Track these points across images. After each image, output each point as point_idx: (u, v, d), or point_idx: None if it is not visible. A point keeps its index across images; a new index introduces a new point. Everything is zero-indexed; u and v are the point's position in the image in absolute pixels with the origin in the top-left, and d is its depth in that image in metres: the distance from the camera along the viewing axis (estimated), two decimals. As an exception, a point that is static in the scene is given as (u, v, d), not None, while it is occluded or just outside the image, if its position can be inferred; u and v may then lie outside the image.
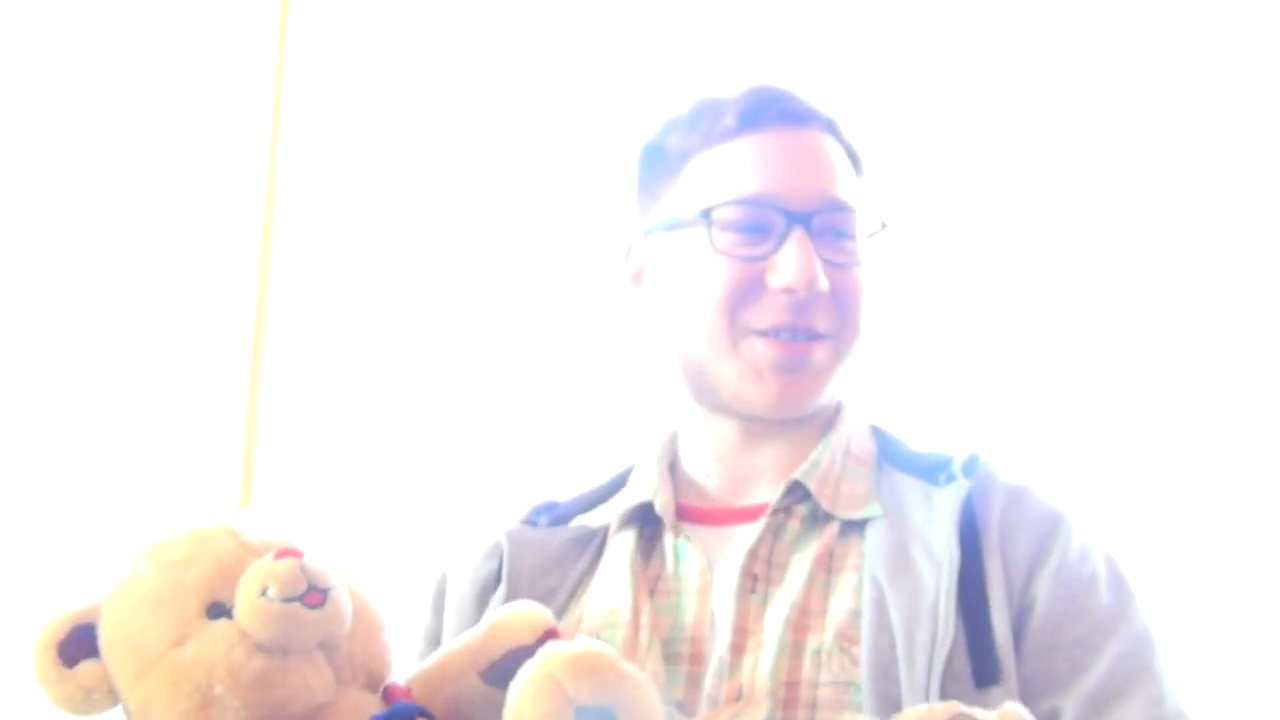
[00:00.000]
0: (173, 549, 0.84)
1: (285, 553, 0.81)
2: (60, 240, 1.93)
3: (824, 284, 1.04)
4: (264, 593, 0.79)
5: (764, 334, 1.05)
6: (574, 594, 1.07)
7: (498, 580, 1.09)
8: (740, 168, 1.07)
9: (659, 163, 1.13)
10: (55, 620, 0.83)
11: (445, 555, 1.19)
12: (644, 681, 0.79)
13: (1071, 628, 0.98)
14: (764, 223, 1.05)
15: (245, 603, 0.80)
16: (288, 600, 0.79)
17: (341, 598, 0.82)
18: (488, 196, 2.04)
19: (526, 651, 0.87)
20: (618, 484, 1.18)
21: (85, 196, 1.95)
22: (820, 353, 1.07)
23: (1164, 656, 1.00)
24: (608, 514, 1.14)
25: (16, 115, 1.94)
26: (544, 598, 1.02)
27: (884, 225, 1.11)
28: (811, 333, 1.06)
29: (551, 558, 1.09)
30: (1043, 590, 0.99)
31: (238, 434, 1.90)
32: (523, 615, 0.91)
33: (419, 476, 1.92)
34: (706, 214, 1.06)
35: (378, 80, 2.08)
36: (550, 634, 0.90)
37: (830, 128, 1.12)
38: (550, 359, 1.94)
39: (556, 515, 1.15)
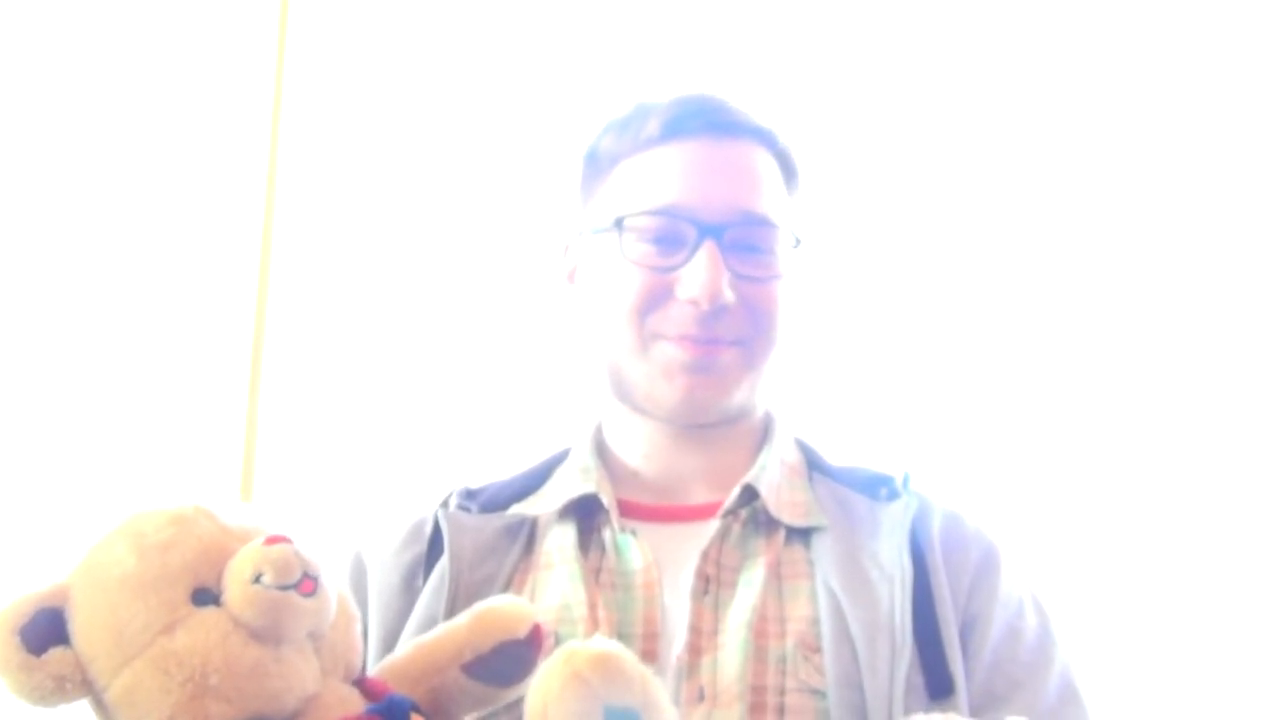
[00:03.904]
0: (150, 531, 0.79)
1: (276, 538, 0.77)
2: (61, 240, 1.93)
3: (729, 297, 1.05)
4: (257, 579, 0.76)
5: (672, 339, 1.06)
6: (509, 583, 1.06)
7: (424, 564, 1.09)
8: (658, 177, 1.08)
9: (593, 165, 1.15)
10: (16, 603, 0.76)
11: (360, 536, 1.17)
12: (661, 684, 0.77)
13: (1009, 647, 1.03)
14: (676, 234, 1.06)
15: (237, 589, 0.76)
16: (283, 587, 0.76)
17: (330, 586, 0.80)
18: (486, 195, 2.03)
19: (517, 645, 0.87)
20: (545, 472, 1.17)
21: (86, 196, 1.96)
22: (729, 356, 1.07)
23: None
24: (540, 503, 1.13)
25: (17, 115, 1.94)
26: (483, 585, 1.02)
27: (798, 242, 1.11)
28: (719, 339, 1.07)
29: (488, 545, 1.08)
30: (982, 611, 1.03)
31: (238, 433, 1.89)
32: (513, 609, 0.89)
33: (419, 473, 1.91)
34: (619, 223, 1.08)
35: (378, 80, 2.07)
36: (538, 629, 0.88)
37: (763, 138, 1.12)
38: (550, 355, 1.93)
39: (485, 501, 1.14)
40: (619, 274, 1.08)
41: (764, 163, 1.11)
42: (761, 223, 1.08)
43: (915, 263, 1.95)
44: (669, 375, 1.07)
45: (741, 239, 1.07)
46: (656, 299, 1.06)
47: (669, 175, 1.08)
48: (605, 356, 1.12)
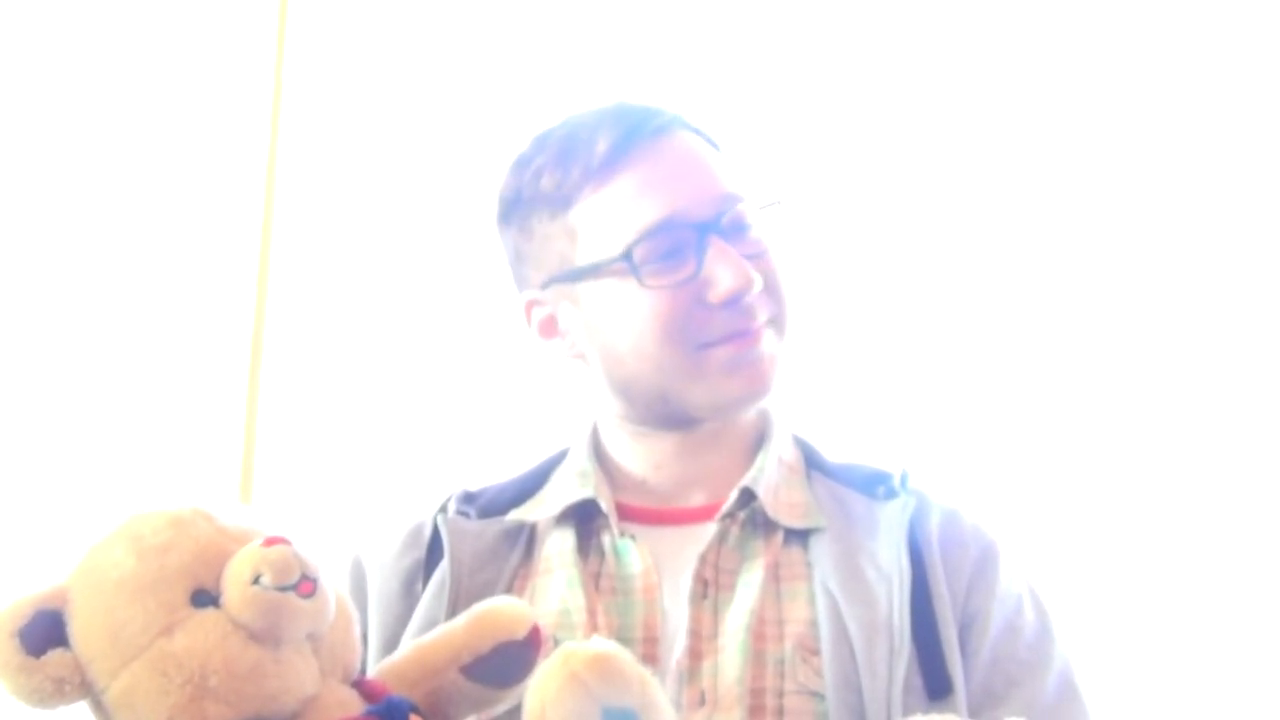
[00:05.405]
0: (149, 533, 0.79)
1: (275, 540, 0.78)
2: (60, 239, 1.93)
3: (759, 280, 1.05)
4: (256, 580, 0.76)
5: (722, 343, 1.05)
6: (509, 589, 1.05)
7: (424, 569, 1.08)
8: (635, 198, 1.05)
9: (537, 209, 1.10)
10: (14, 605, 0.76)
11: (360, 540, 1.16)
12: (659, 684, 0.77)
13: (1007, 645, 1.02)
14: (679, 244, 1.04)
15: (236, 590, 0.76)
16: (282, 589, 0.76)
17: (329, 587, 0.80)
18: (486, 196, 2.03)
19: (516, 647, 0.87)
20: (543, 474, 1.16)
21: (85, 196, 1.96)
22: (767, 339, 1.07)
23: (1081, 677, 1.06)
24: (539, 508, 1.12)
25: (16, 115, 1.94)
26: (483, 590, 1.02)
27: (777, 201, 1.10)
28: (759, 326, 1.06)
29: (488, 550, 1.07)
30: (981, 608, 1.03)
31: (238, 434, 1.89)
32: (512, 610, 0.89)
33: (418, 475, 1.91)
34: (627, 256, 1.04)
35: (378, 80, 2.07)
36: (537, 630, 0.88)
37: (685, 124, 1.11)
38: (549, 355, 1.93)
39: (483, 505, 1.13)
40: (636, 306, 1.05)
41: (701, 145, 1.11)
42: (739, 200, 1.07)
43: (912, 259, 1.95)
44: (732, 374, 1.05)
45: (734, 223, 1.06)
46: (687, 313, 1.04)
47: (644, 192, 1.05)
48: (635, 388, 1.09)
